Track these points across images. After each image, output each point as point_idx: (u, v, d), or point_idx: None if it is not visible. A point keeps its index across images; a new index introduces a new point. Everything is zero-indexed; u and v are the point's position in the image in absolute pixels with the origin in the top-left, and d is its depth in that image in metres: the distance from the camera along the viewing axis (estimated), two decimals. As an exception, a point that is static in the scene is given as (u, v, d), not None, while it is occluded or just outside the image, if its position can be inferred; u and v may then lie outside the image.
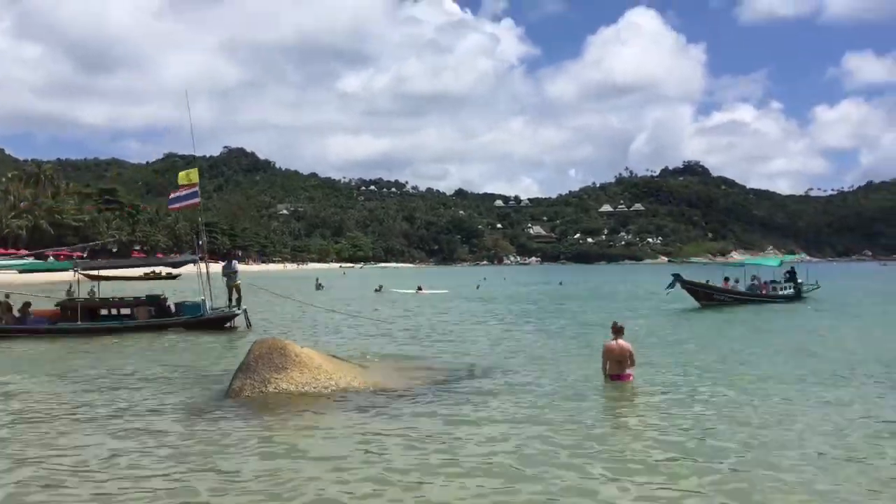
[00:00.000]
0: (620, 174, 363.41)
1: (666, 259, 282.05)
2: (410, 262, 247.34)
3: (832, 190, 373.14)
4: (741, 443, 8.53)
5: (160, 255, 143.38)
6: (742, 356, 16.24)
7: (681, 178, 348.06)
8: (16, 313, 21.96)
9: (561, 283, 63.22)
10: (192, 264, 26.36)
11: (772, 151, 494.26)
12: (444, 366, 14.63)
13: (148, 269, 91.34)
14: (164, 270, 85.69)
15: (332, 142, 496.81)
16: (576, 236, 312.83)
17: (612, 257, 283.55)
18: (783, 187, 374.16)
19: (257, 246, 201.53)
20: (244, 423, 9.55)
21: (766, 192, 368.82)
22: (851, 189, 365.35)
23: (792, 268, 38.37)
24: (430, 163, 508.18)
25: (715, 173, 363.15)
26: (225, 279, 24.94)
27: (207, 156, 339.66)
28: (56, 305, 22.87)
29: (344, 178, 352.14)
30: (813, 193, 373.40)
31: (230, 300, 24.29)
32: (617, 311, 28.97)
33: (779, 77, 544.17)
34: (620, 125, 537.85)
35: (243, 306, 23.76)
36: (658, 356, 15.74)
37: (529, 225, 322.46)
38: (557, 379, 12.96)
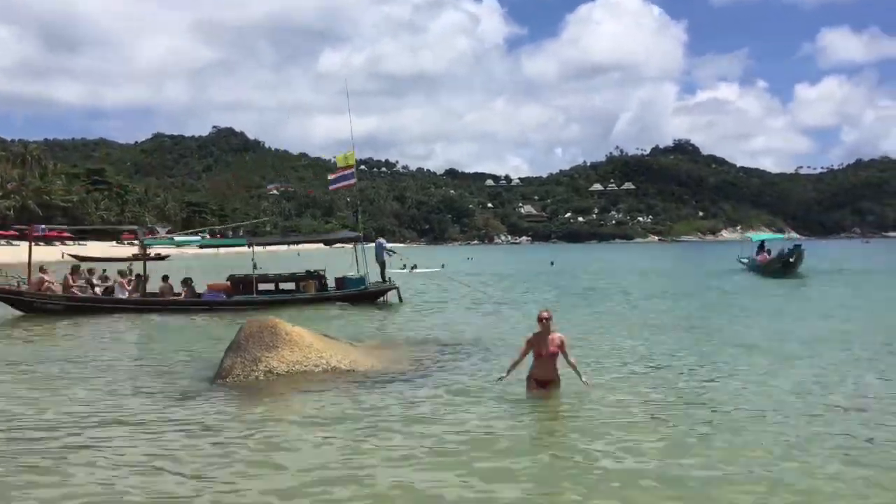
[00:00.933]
0: (611, 153, 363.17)
1: (656, 238, 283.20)
2: (401, 242, 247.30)
3: (821, 168, 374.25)
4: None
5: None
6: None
7: (671, 157, 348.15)
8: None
9: (552, 264, 61.06)
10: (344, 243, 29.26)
11: (753, 129, 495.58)
12: (438, 344, 14.56)
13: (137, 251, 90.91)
14: (154, 251, 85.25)
15: (312, 122, 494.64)
16: (566, 215, 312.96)
17: (602, 236, 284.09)
18: (767, 165, 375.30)
19: (248, 226, 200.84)
20: (233, 402, 9.49)
21: (756, 170, 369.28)
22: (840, 167, 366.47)
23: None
24: (414, 143, 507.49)
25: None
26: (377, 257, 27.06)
27: (196, 136, 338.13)
28: (227, 280, 24.04)
29: (334, 157, 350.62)
30: (802, 171, 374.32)
31: (383, 277, 26.33)
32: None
33: (759, 55, 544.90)
34: (603, 104, 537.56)
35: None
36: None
37: (520, 204, 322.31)
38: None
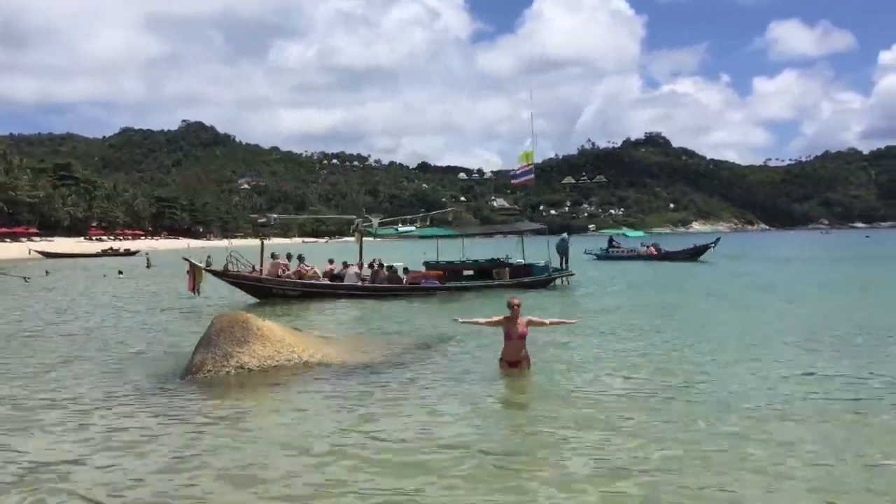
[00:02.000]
0: (583, 146, 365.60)
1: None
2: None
3: (789, 159, 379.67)
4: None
5: (121, 231, 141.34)
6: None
7: (642, 150, 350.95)
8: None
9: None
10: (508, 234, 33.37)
11: (713, 122, 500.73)
12: (409, 340, 14.51)
13: (105, 247, 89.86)
14: (123, 247, 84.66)
15: (276, 116, 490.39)
16: (539, 208, 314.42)
17: (575, 229, 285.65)
18: (729, 157, 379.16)
19: (218, 221, 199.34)
20: (203, 398, 9.34)
21: (726, 162, 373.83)
22: (808, 159, 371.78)
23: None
24: (380, 136, 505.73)
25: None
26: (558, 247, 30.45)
27: (165, 130, 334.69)
28: (429, 267, 26.77)
29: (306, 151, 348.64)
30: (771, 164, 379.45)
31: (562, 264, 29.36)
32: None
33: (717, 49, 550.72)
34: (568, 97, 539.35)
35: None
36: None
37: (493, 197, 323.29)
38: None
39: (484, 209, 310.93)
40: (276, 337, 11.49)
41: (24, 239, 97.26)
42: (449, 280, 25.41)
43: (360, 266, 24.83)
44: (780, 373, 10.48)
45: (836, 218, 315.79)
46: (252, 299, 22.82)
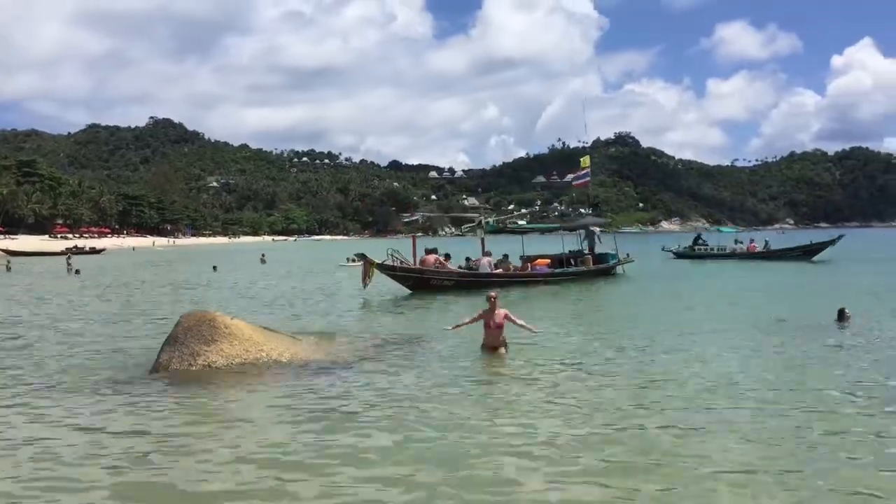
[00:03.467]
0: (553, 145, 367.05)
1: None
2: (345, 234, 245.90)
3: (756, 160, 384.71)
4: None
5: (86, 229, 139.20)
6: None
7: (612, 149, 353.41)
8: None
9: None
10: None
11: (671, 123, 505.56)
12: (378, 338, 14.46)
13: (70, 245, 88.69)
14: (89, 245, 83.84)
15: (236, 114, 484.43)
16: (510, 207, 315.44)
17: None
18: (688, 157, 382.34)
19: (187, 220, 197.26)
20: (167, 399, 9.20)
21: (694, 162, 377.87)
22: (775, 160, 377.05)
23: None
24: (343, 134, 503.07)
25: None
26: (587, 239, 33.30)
27: (132, 126, 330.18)
28: (529, 259, 29.91)
29: (276, 149, 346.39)
30: (738, 164, 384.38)
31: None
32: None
33: (673, 50, 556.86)
34: (527, 96, 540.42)
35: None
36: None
37: (464, 196, 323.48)
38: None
39: (455, 208, 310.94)
40: (245, 336, 11.36)
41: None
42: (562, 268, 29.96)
43: (490, 258, 27.78)
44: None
45: (802, 218, 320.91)
46: (405, 291, 24.85)
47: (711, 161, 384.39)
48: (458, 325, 12.77)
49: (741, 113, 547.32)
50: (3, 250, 71.93)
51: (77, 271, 40.21)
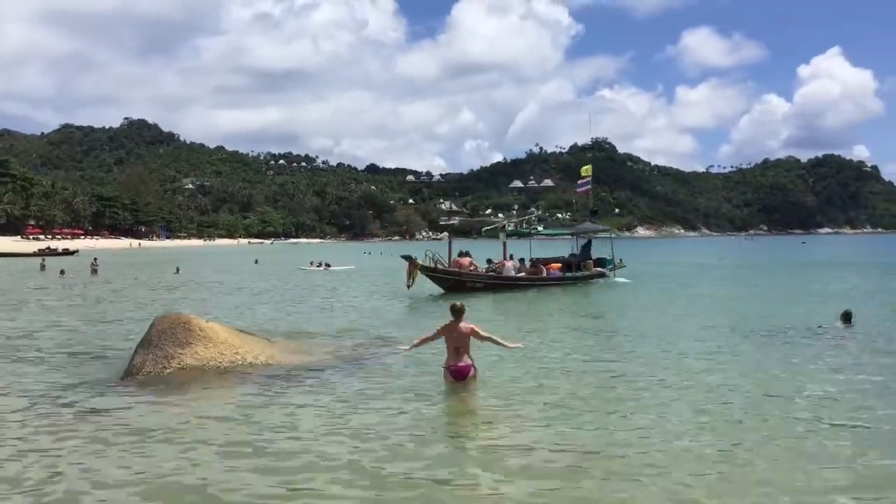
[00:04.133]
0: (531, 150, 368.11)
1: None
2: (321, 238, 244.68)
3: (731, 167, 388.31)
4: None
5: (58, 230, 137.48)
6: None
7: (589, 154, 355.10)
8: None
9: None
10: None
11: (641, 129, 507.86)
12: (352, 341, 14.46)
13: (43, 246, 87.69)
14: (62, 247, 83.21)
15: (201, 115, 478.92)
16: (487, 212, 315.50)
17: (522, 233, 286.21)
18: (660, 163, 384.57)
19: (162, 221, 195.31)
20: (138, 400, 9.16)
21: (671, 168, 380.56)
22: (749, 166, 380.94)
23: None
24: (317, 137, 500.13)
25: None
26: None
27: (107, 127, 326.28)
28: (543, 262, 31.17)
29: (252, 151, 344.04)
30: (713, 170, 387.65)
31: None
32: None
33: (644, 57, 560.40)
34: (500, 101, 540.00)
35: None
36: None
37: (441, 200, 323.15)
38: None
39: (432, 212, 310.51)
40: (220, 338, 11.32)
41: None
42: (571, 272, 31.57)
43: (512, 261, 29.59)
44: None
45: (776, 224, 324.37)
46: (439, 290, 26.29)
47: (683, 167, 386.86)
48: (415, 345, 10.60)
49: (709, 120, 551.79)
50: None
51: (62, 271, 39.92)
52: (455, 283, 26.41)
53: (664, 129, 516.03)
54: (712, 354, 12.59)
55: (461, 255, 28.16)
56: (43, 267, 45.30)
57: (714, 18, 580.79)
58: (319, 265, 46.92)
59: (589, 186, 38.03)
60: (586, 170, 38.23)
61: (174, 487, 6.15)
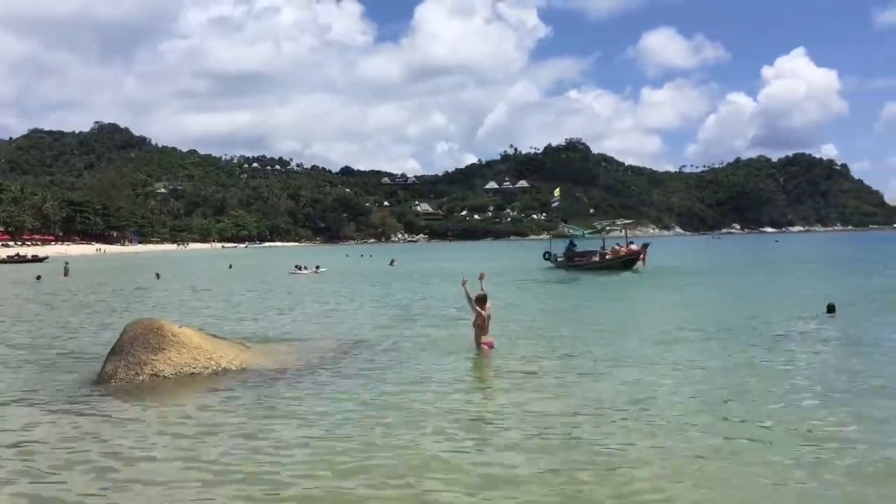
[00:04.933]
0: (505, 151, 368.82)
1: (548, 235, 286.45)
2: (296, 241, 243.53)
3: (703, 166, 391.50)
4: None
5: (28, 236, 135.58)
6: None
7: (563, 156, 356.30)
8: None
9: (392, 263, 56.57)
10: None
11: (607, 130, 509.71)
12: (328, 345, 14.33)
13: (13, 252, 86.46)
14: (31, 253, 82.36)
15: (167, 119, 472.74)
16: (462, 213, 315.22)
17: (498, 234, 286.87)
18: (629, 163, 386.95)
19: (134, 226, 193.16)
20: (110, 410, 8.99)
21: (644, 168, 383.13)
22: (721, 166, 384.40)
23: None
24: (287, 141, 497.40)
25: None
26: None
27: (77, 132, 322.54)
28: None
29: (225, 155, 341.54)
30: (686, 170, 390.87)
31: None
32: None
33: (608, 58, 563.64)
34: (470, 102, 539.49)
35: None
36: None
37: (416, 202, 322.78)
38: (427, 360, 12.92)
39: (408, 214, 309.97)
40: (193, 344, 11.16)
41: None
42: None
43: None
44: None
45: (748, 223, 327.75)
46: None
47: (653, 167, 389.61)
48: (468, 296, 13.09)
49: (675, 120, 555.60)
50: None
51: (38, 277, 39.65)
52: (631, 261, 39.53)
53: (631, 130, 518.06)
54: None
55: (613, 248, 42.47)
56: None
57: (676, 20, 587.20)
58: (307, 269, 46.74)
59: (558, 203, 51.53)
60: (558, 192, 50.80)
61: (141, 501, 6.01)
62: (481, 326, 12.70)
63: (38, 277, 39.21)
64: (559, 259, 45.36)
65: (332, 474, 6.52)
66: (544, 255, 47.99)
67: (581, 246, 46.62)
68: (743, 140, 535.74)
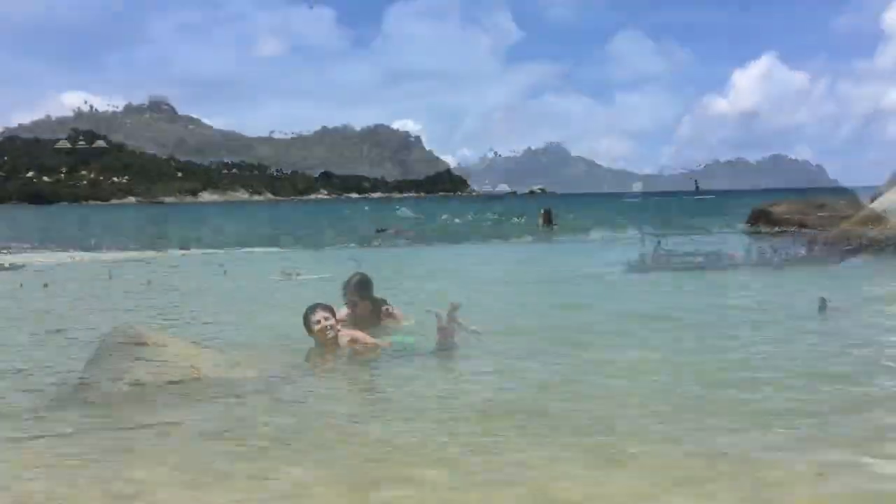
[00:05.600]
0: (485, 154, 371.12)
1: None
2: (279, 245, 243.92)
3: (683, 169, 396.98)
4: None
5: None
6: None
7: (544, 159, 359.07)
8: None
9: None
10: None
11: (583, 133, 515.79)
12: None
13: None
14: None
15: (143, 124, 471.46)
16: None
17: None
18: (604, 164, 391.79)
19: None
20: (86, 421, 8.60)
21: (626, 171, 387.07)
22: (700, 168, 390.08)
23: None
24: (260, 147, 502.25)
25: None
26: None
27: (53, 138, 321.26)
28: None
29: (204, 161, 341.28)
30: (666, 172, 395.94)
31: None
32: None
33: (581, 63, 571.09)
34: (446, 107, 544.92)
35: None
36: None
37: (397, 207, 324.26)
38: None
39: (390, 218, 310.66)
40: (172, 351, 10.87)
41: None
42: None
43: None
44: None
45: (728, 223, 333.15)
46: None
47: (631, 169, 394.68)
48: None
49: (650, 123, 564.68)
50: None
51: (21, 284, 38.83)
52: None
53: (605, 132, 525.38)
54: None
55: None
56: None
57: (648, 27, 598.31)
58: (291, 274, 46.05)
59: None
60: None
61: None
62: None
63: (46, 285, 38.47)
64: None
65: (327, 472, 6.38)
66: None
67: None
68: (717, 141, 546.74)
